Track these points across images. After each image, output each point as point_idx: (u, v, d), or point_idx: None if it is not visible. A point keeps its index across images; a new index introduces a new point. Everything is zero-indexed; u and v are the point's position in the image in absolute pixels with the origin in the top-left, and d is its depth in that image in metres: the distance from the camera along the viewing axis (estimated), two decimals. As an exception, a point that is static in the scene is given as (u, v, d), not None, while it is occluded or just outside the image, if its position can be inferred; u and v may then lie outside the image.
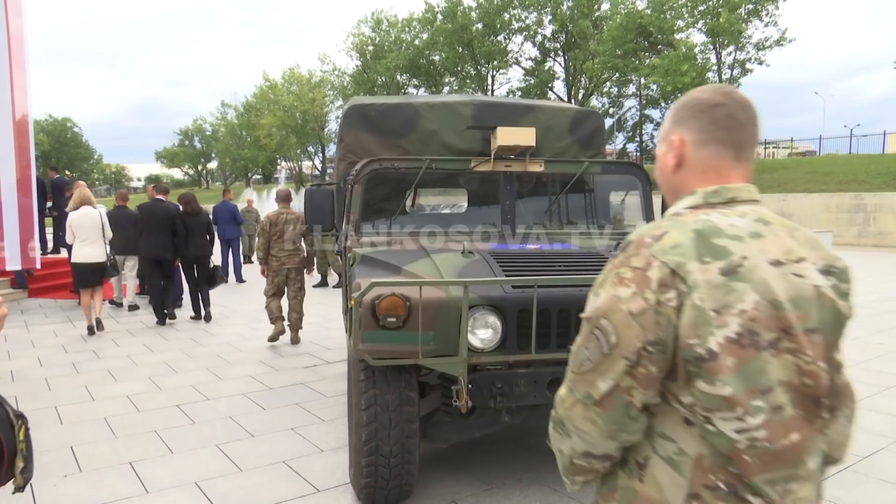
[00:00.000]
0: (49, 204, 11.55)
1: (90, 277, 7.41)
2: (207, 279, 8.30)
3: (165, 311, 8.10)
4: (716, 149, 1.16)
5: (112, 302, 9.29)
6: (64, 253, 10.38)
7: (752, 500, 1.03)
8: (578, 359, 1.12)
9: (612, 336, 1.05)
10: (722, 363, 0.99)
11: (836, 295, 1.11)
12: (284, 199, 7.14)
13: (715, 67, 27.88)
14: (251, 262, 13.51)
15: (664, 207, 4.64)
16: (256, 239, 6.88)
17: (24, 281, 9.92)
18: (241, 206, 15.15)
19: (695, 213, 1.13)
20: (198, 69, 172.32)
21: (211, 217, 9.07)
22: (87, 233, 7.32)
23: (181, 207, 8.15)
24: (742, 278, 1.02)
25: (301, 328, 7.09)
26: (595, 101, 35.71)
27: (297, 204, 7.67)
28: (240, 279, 12.21)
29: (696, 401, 1.03)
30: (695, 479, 1.05)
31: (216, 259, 9.92)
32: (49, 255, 11.39)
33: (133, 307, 9.04)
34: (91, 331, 7.41)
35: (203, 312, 8.31)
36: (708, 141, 1.17)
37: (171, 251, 7.93)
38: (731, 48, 27.53)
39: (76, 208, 7.47)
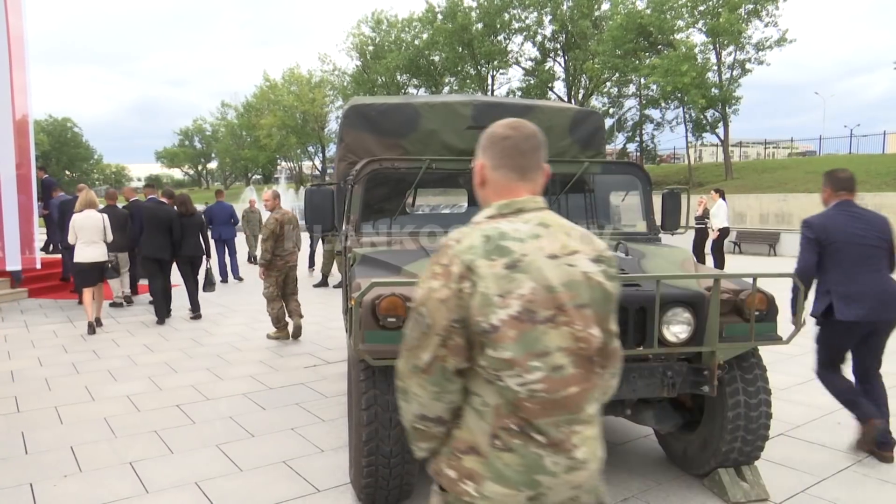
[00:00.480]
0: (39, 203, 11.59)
1: (91, 276, 7.62)
2: (204, 280, 8.57)
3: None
4: (504, 172, 1.46)
5: (112, 304, 9.32)
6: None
7: (538, 437, 1.33)
8: (408, 338, 1.42)
9: (427, 319, 1.35)
10: (504, 334, 1.30)
11: (605, 278, 1.42)
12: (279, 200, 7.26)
13: (715, 67, 27.84)
14: (254, 263, 13.51)
15: (663, 207, 4.65)
16: (263, 241, 6.87)
17: (20, 277, 9.90)
18: (243, 206, 15.11)
19: (490, 221, 1.42)
20: (198, 69, 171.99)
21: (204, 218, 9.27)
22: (89, 234, 7.54)
23: (175, 208, 8.38)
24: (521, 270, 1.32)
25: (302, 316, 7.19)
26: (595, 101, 35.64)
27: (286, 203, 7.93)
28: (238, 278, 12.21)
29: (488, 364, 1.33)
30: (494, 423, 1.35)
31: (214, 259, 9.99)
32: (48, 255, 11.38)
33: (118, 305, 9.27)
34: (91, 329, 7.48)
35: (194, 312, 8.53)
36: (498, 166, 1.47)
37: (169, 251, 8.13)
38: (731, 48, 27.47)
39: (80, 211, 7.68)
